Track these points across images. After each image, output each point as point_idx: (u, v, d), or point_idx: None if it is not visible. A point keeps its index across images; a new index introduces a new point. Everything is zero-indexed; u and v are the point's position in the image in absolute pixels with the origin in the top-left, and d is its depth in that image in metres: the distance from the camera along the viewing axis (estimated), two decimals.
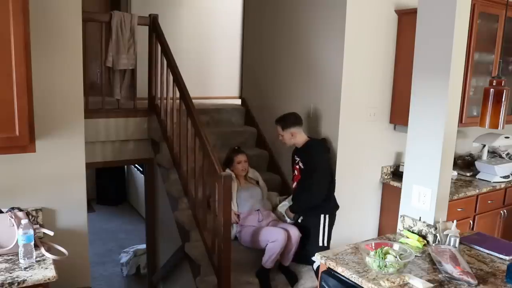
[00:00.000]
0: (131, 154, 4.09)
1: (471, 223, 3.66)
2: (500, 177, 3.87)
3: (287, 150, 3.67)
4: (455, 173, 3.95)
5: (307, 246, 3.27)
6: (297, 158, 3.33)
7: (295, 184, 3.39)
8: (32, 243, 2.12)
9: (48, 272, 2.04)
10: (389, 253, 1.99)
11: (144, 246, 5.37)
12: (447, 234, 2.26)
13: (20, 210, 2.38)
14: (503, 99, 2.08)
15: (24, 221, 2.13)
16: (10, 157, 2.33)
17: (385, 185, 3.84)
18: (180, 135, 3.55)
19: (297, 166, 3.32)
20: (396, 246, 2.09)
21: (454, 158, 3.26)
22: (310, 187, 3.19)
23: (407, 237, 2.38)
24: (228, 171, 3.43)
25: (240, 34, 4.90)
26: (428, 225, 2.38)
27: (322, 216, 3.25)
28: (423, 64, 2.42)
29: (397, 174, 3.81)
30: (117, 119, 3.86)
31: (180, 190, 3.59)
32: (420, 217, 2.44)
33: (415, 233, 2.41)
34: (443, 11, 2.28)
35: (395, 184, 3.70)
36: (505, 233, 3.87)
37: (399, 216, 2.57)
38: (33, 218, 2.48)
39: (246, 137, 4.33)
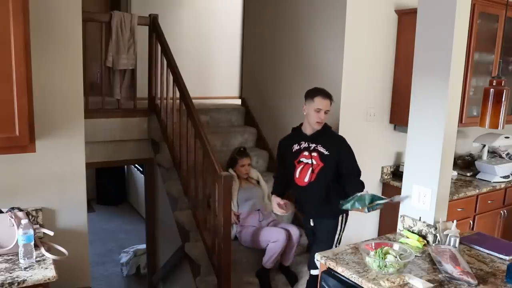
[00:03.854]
0: (131, 154, 4.09)
1: (471, 223, 3.66)
2: (500, 177, 3.86)
3: None
4: (455, 173, 3.95)
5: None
6: (312, 145, 2.82)
7: (309, 176, 2.81)
8: (32, 243, 2.12)
9: (48, 272, 2.04)
10: (389, 253, 1.99)
11: (144, 246, 5.37)
12: (447, 234, 2.26)
13: (20, 210, 2.38)
14: (503, 99, 2.08)
15: (24, 221, 2.13)
16: (10, 157, 2.33)
17: (385, 185, 3.84)
18: (180, 135, 3.55)
19: (315, 154, 2.80)
20: (396, 246, 2.09)
21: (454, 158, 3.26)
22: (357, 169, 2.81)
23: (407, 237, 2.38)
24: (230, 171, 3.45)
25: (240, 34, 4.91)
26: (428, 225, 2.38)
27: (340, 217, 2.89)
28: (423, 64, 2.41)
29: (397, 174, 3.81)
30: (117, 119, 3.87)
31: (180, 190, 3.59)
32: (420, 217, 2.43)
33: (415, 233, 2.41)
34: (443, 11, 2.28)
35: (395, 184, 3.70)
36: (505, 233, 3.87)
37: (399, 216, 2.56)
38: (33, 218, 2.48)
39: (246, 137, 4.33)
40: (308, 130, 2.84)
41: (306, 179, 2.84)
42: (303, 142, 2.85)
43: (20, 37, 1.99)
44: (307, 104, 2.80)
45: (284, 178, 3.00)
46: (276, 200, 2.89)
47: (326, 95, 2.80)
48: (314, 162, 2.81)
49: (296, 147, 2.88)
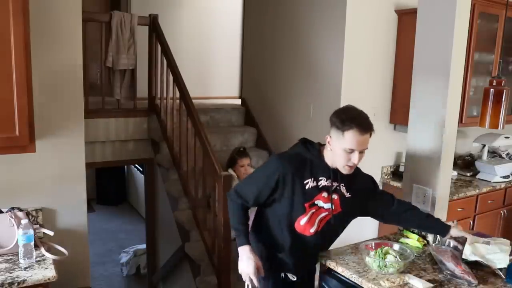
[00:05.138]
0: (131, 154, 4.09)
1: (471, 223, 3.66)
2: (500, 177, 3.86)
3: None
4: (455, 173, 3.95)
5: None
6: (334, 183, 1.97)
7: (317, 224, 1.95)
8: (32, 243, 2.12)
9: (48, 272, 2.04)
10: (389, 253, 1.99)
11: (144, 246, 5.37)
12: None
13: (20, 210, 2.38)
14: (503, 99, 2.09)
15: (24, 221, 2.13)
16: (10, 157, 2.33)
17: (385, 185, 3.83)
18: (180, 135, 3.55)
19: (336, 197, 1.98)
20: (396, 246, 2.09)
21: (454, 158, 3.26)
22: (391, 194, 2.22)
23: (407, 237, 2.38)
24: (230, 171, 3.44)
25: (240, 34, 4.90)
26: None
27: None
28: (423, 64, 2.42)
29: (397, 174, 3.81)
30: (117, 119, 3.87)
31: (180, 190, 3.59)
32: None
33: (415, 233, 2.41)
34: (443, 11, 2.28)
35: (395, 184, 3.70)
36: (505, 233, 3.87)
37: None
38: (33, 218, 2.48)
39: (246, 137, 4.33)
40: (330, 160, 1.96)
41: (313, 229, 1.96)
42: (323, 179, 1.95)
43: (20, 37, 1.99)
44: (333, 135, 1.88)
45: (247, 215, 2.04)
46: (254, 259, 1.94)
47: (366, 127, 1.90)
48: (332, 208, 1.97)
49: (311, 183, 1.94)
